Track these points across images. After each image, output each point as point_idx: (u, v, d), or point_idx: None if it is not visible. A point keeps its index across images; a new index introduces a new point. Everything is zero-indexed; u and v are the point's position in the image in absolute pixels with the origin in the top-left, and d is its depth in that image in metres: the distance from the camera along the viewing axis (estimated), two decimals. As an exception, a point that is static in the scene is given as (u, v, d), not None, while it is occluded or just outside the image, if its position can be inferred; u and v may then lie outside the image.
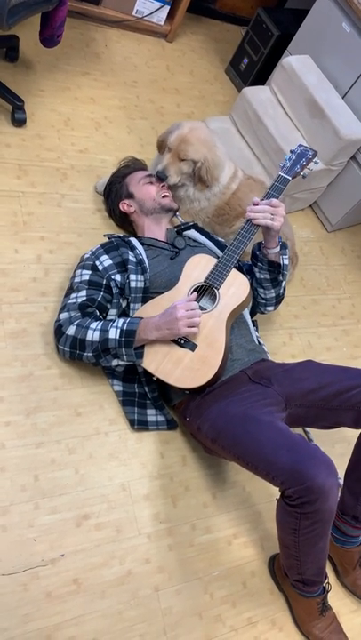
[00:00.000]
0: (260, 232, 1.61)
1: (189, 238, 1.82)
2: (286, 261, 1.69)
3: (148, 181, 1.83)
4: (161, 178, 1.81)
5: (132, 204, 1.84)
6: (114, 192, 1.89)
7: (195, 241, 1.82)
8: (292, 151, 1.68)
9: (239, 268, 1.71)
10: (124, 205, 1.85)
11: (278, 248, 1.62)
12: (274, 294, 1.73)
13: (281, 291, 1.75)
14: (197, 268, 1.58)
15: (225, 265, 1.56)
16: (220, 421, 1.43)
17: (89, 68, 2.39)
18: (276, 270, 1.67)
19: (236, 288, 1.55)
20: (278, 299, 1.77)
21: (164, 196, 1.81)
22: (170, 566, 1.47)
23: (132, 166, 1.93)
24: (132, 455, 1.58)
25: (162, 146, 1.90)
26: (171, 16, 2.65)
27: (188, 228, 1.85)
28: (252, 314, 1.80)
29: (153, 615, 1.40)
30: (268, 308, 1.79)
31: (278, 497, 1.33)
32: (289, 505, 1.26)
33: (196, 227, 1.86)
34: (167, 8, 2.60)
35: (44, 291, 1.73)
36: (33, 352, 1.61)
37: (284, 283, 1.75)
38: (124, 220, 1.92)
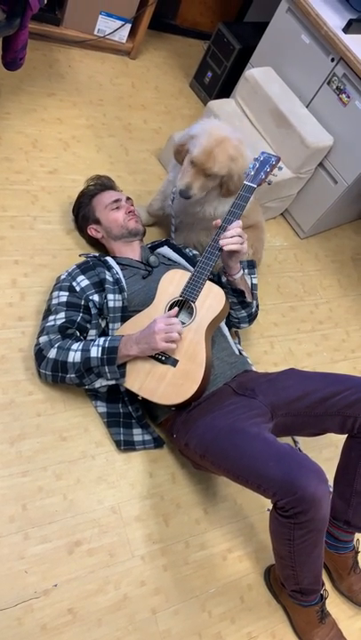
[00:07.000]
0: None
1: (163, 256, 1.83)
2: (255, 281, 1.68)
3: (114, 207, 1.79)
4: (184, 196, 1.68)
5: (99, 230, 1.83)
6: (81, 216, 1.88)
7: (169, 259, 1.82)
8: (255, 159, 1.68)
9: (213, 279, 1.71)
10: (92, 231, 1.84)
11: (241, 272, 1.63)
12: (245, 314, 1.75)
13: (253, 310, 1.76)
14: (172, 283, 1.58)
15: (199, 277, 1.55)
16: (207, 436, 1.42)
17: (54, 89, 2.39)
18: (240, 295, 1.67)
19: (211, 299, 1.55)
20: (251, 317, 1.78)
21: (130, 220, 1.77)
22: (166, 587, 1.45)
23: (98, 186, 1.89)
24: (120, 477, 1.56)
25: (181, 152, 1.71)
26: (132, 34, 2.67)
27: (162, 244, 1.85)
28: (229, 328, 1.80)
29: (152, 639, 1.37)
30: (243, 325, 1.81)
31: (271, 508, 1.32)
32: (282, 516, 1.26)
33: (168, 243, 1.86)
34: (128, 26, 2.62)
35: (22, 315, 1.70)
36: (13, 378, 1.58)
37: (255, 302, 1.76)
38: (93, 242, 1.91)
